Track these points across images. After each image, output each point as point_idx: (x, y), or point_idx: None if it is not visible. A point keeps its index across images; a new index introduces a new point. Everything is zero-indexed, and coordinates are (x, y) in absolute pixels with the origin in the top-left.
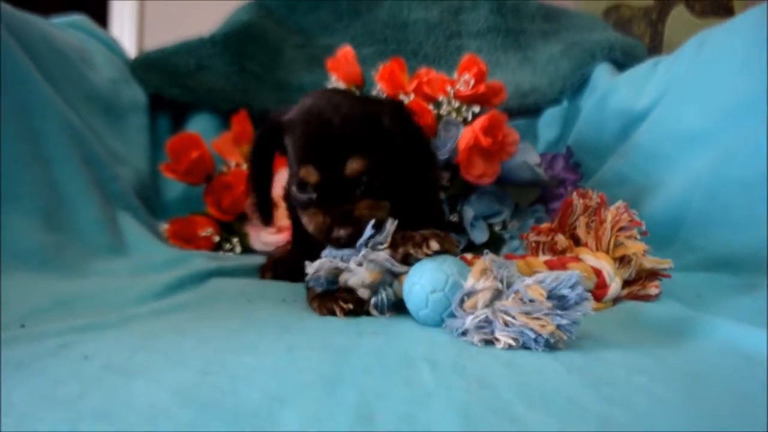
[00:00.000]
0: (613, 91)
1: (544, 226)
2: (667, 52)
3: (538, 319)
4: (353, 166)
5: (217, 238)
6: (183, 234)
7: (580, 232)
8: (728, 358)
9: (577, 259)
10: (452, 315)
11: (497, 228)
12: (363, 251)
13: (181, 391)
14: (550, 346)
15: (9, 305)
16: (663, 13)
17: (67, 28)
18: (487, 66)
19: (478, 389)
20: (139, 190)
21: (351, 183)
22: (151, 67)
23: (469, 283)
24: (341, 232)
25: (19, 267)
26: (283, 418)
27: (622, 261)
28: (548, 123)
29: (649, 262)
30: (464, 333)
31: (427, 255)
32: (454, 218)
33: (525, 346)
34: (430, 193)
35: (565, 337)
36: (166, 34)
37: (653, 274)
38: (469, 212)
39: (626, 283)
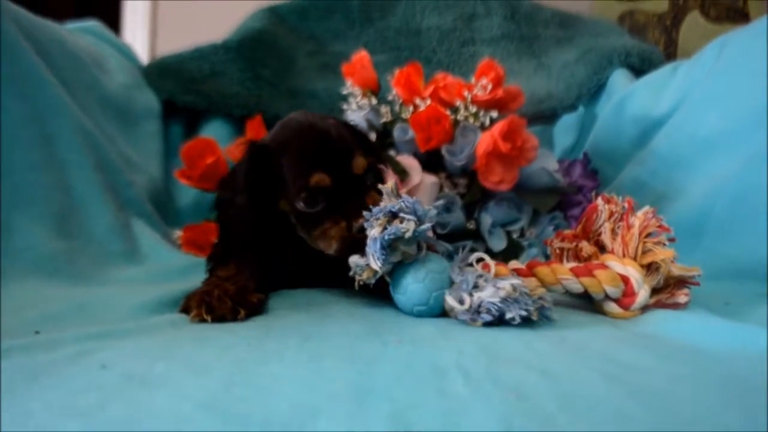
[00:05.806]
0: (630, 96)
1: (568, 232)
2: (681, 58)
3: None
4: (360, 162)
5: None
6: (197, 241)
7: (606, 238)
8: None
9: (604, 266)
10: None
11: (515, 235)
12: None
13: (207, 403)
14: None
15: (22, 311)
16: (677, 19)
17: (80, 33)
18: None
19: (517, 401)
20: (152, 197)
21: (359, 181)
22: (164, 73)
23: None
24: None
25: (31, 273)
26: (315, 430)
27: (650, 268)
28: (564, 130)
29: (678, 269)
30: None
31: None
32: (471, 225)
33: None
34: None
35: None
36: (179, 40)
37: (681, 282)
38: (486, 219)
39: (654, 291)
